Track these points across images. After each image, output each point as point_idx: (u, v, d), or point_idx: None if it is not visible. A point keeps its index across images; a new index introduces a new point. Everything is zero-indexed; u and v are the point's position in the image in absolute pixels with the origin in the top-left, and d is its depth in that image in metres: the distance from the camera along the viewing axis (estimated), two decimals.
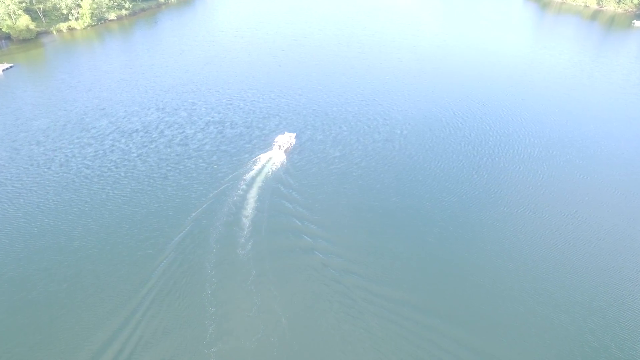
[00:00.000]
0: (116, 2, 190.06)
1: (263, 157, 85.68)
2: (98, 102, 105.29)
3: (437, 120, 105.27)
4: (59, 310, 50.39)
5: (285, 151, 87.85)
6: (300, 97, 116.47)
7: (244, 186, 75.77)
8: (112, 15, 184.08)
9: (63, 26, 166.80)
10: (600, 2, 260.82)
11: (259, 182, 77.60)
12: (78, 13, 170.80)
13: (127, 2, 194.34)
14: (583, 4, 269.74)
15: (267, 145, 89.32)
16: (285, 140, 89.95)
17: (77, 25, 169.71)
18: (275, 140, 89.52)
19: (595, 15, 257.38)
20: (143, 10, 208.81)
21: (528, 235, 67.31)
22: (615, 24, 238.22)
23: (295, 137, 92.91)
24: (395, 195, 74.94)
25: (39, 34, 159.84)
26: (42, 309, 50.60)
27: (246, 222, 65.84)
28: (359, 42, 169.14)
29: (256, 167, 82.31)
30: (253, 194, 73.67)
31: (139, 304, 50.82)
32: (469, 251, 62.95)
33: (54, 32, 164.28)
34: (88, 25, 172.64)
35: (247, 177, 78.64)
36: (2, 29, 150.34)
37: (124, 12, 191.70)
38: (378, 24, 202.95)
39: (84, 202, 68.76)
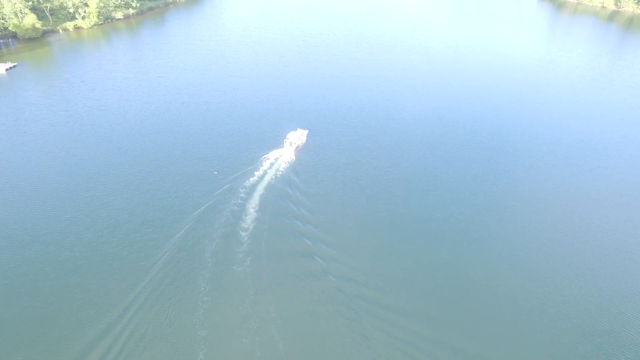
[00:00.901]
0: (123, 1, 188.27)
1: (272, 155, 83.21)
2: (99, 103, 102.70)
3: (448, 125, 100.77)
4: (42, 329, 47.22)
5: (296, 149, 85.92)
6: (311, 96, 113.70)
7: (248, 188, 72.77)
8: (119, 14, 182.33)
9: (70, 25, 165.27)
10: (618, 3, 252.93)
11: (264, 184, 74.62)
12: (85, 12, 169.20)
13: (135, 1, 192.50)
14: (600, 5, 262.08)
15: (278, 143, 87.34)
16: (297, 137, 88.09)
17: (84, 24, 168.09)
18: (287, 137, 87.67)
19: (613, 17, 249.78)
20: (151, 9, 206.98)
21: (549, 252, 62.66)
22: (634, 25, 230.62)
23: (307, 135, 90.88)
24: (405, 205, 70.77)
25: (45, 33, 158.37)
26: (25, 325, 47.51)
27: (244, 235, 61.96)
28: (368, 43, 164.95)
29: (263, 168, 79.50)
30: (256, 198, 70.55)
31: (124, 325, 47.26)
32: (484, 268, 58.58)
33: (60, 31, 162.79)
34: (95, 24, 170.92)
35: (252, 179, 75.53)
36: (9, 28, 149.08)
37: (131, 11, 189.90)
38: (388, 24, 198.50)
39: (78, 209, 65.75)
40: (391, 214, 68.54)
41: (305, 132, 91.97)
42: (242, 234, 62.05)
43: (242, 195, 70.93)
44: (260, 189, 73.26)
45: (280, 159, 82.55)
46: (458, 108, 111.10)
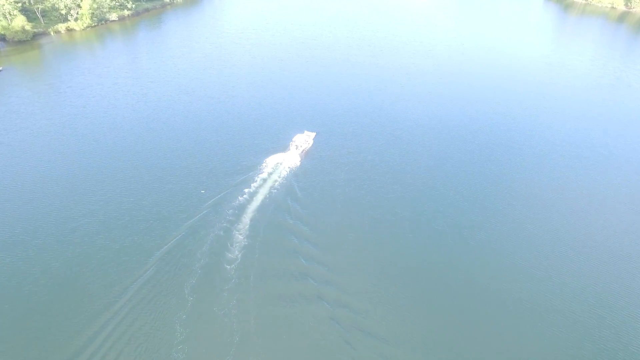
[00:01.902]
0: (118, 2, 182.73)
1: (275, 160, 79.62)
2: (85, 111, 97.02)
3: (457, 135, 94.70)
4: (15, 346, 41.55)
5: (302, 153, 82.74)
6: (314, 99, 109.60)
7: (244, 198, 68.05)
8: (113, 16, 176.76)
9: (62, 27, 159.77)
10: (629, 3, 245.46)
11: (263, 193, 70.11)
12: (77, 13, 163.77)
13: (130, 2, 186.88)
14: (610, 5, 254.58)
15: (281, 147, 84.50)
16: (303, 140, 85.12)
17: (77, 26, 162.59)
18: (293, 139, 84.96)
19: (623, 17, 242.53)
20: (147, 10, 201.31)
21: (569, 264, 56.67)
22: None
23: (314, 138, 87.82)
24: (411, 230, 64.71)
25: (35, 36, 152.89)
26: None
27: (232, 268, 56.15)
28: (370, 45, 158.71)
29: (262, 175, 74.90)
30: (252, 211, 65.44)
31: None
32: (504, 307, 52.44)
33: (52, 34, 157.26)
34: (88, 26, 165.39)
35: (252, 186, 71.06)
36: None
37: (126, 12, 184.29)
38: (390, 25, 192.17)
39: (48, 234, 59.95)
40: (395, 242, 62.51)
41: (313, 134, 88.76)
42: (231, 255, 56.39)
43: (239, 204, 66.49)
44: (258, 199, 68.49)
45: (283, 164, 78.72)
46: (465, 116, 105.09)
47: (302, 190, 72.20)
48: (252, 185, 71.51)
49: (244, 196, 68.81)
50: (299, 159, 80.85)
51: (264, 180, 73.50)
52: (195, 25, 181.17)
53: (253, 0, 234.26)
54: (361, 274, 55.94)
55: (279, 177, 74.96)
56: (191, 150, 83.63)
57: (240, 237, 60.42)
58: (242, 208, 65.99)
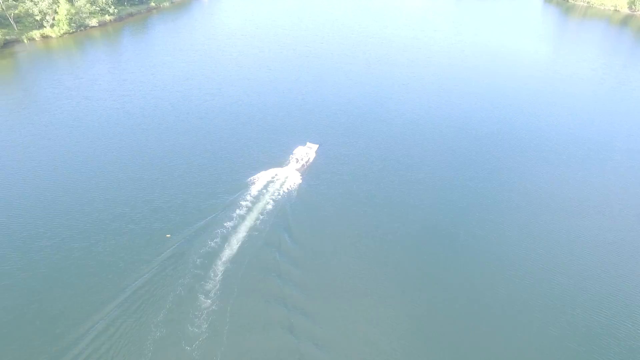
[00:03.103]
0: (99, 7, 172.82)
1: (271, 177, 72.11)
2: (46, 131, 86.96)
3: (467, 140, 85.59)
4: None
5: (303, 167, 75.87)
6: (311, 109, 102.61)
7: (231, 224, 60.52)
8: (93, 22, 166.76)
9: (36, 34, 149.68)
10: (633, 6, 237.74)
11: (252, 219, 62.05)
12: (54, 19, 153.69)
13: (112, 7, 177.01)
14: (613, 8, 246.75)
15: (282, 161, 78.04)
16: (304, 153, 78.09)
17: (53, 32, 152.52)
18: (293, 152, 78.34)
19: (627, 21, 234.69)
20: (131, 15, 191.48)
21: (567, 264, 47.51)
22: None
23: (317, 151, 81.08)
24: (419, 262, 55.15)
25: (7, 43, 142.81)
26: None
27: (201, 321, 46.54)
28: (365, 52, 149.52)
29: (254, 196, 67.12)
30: (236, 242, 57.36)
31: None
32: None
33: (25, 41, 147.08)
34: (65, 33, 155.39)
35: (239, 212, 63.04)
36: None
37: (107, 17, 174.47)
38: (386, 31, 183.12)
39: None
40: (402, 281, 52.95)
41: (315, 146, 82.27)
42: (202, 304, 46.97)
43: (221, 234, 58.50)
44: (244, 228, 60.24)
45: (279, 181, 71.35)
46: (468, 121, 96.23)
47: (297, 218, 63.76)
48: (238, 210, 63.13)
49: (229, 223, 60.51)
50: (299, 175, 73.59)
51: (255, 202, 65.30)
52: (181, 31, 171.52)
53: (243, 4, 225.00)
54: (357, 340, 46.36)
55: (273, 198, 66.95)
56: (172, 170, 74.47)
57: (214, 282, 51.16)
58: (225, 240, 57.56)
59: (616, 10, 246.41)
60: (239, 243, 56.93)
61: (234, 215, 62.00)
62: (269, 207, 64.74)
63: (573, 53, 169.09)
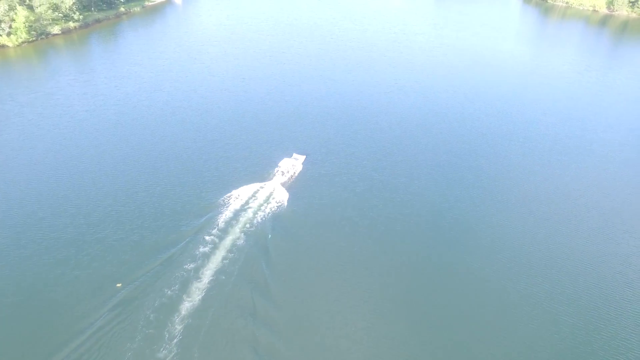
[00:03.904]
0: (62, 13, 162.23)
1: (253, 193, 67.22)
2: None
3: (453, 143, 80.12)
4: None
5: (289, 180, 72.70)
6: (294, 120, 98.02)
7: (206, 249, 54.79)
8: (55, 29, 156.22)
9: None
10: (611, 6, 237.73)
11: (230, 241, 56.70)
12: (10, 27, 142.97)
13: (77, 13, 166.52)
14: (591, 8, 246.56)
15: (266, 174, 73.84)
16: (290, 165, 75.32)
17: (10, 41, 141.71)
18: (279, 165, 75.28)
19: (605, 21, 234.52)
20: (98, 21, 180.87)
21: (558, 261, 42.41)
22: (630, 30, 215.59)
23: (304, 162, 77.84)
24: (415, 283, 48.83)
25: None
26: None
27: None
28: (345, 58, 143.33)
29: (232, 213, 62.20)
30: (209, 272, 51.54)
31: None
32: None
33: None
34: (24, 42, 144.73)
35: (214, 233, 57.73)
36: None
37: (72, 24, 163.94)
38: (367, 34, 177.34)
39: None
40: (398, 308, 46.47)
41: (302, 157, 79.01)
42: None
43: (194, 263, 52.67)
44: (219, 253, 54.57)
45: (262, 197, 66.57)
46: (454, 126, 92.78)
47: (279, 242, 58.43)
48: (213, 231, 57.64)
49: (202, 249, 54.47)
50: (284, 189, 69.36)
51: (232, 224, 59.53)
52: (152, 38, 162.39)
53: (218, 9, 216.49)
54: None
55: (254, 218, 61.62)
56: (144, 189, 68.01)
57: (181, 325, 43.90)
58: (186, 284, 50.43)
59: (595, 10, 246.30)
60: (209, 279, 50.10)
61: (207, 240, 56.08)
62: (250, 228, 59.13)
63: (553, 53, 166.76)
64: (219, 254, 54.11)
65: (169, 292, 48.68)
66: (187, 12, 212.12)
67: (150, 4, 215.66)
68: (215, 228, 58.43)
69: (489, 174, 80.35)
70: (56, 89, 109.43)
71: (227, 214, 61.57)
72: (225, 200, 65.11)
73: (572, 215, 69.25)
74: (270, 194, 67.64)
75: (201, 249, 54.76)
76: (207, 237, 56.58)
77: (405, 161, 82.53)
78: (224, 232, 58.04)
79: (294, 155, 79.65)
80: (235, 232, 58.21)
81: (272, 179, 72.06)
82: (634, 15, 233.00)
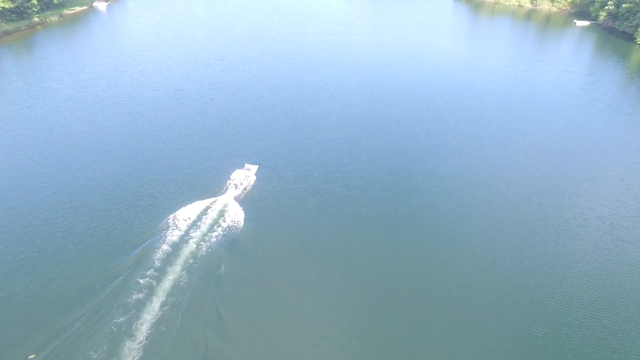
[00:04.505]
0: None
1: (199, 211, 61.37)
2: None
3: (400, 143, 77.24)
4: None
5: (242, 193, 68.42)
6: (240, 129, 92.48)
7: (145, 285, 47.58)
8: None
9: None
10: (534, 1, 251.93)
11: (178, 269, 50.28)
12: None
13: None
14: (517, 4, 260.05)
15: (217, 189, 68.42)
16: (243, 176, 70.87)
17: None
18: (231, 177, 70.25)
19: (530, 15, 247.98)
20: (7, 33, 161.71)
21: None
22: (552, 23, 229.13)
23: (257, 172, 73.90)
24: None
25: None
26: None
27: None
28: (287, 63, 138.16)
29: (180, 235, 56.05)
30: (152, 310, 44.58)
31: None
32: None
33: None
34: None
35: (158, 260, 51.24)
36: None
37: None
38: (307, 37, 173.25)
39: None
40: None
41: (254, 167, 74.88)
42: None
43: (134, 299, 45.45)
44: (165, 285, 48.00)
45: (211, 215, 60.81)
46: (401, 132, 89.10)
47: (233, 269, 52.68)
48: (150, 268, 50.02)
49: (137, 295, 46.43)
50: (238, 204, 64.48)
51: (178, 247, 52.83)
52: (72, 50, 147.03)
53: (148, 15, 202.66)
54: None
55: (204, 239, 55.28)
56: (63, 229, 58.52)
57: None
58: (129, 322, 43.68)
59: (520, 5, 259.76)
60: (147, 335, 42.61)
61: (142, 284, 48.17)
62: (199, 256, 52.47)
63: (489, 48, 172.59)
64: (158, 299, 46.71)
65: (96, 356, 40.73)
66: (112, 19, 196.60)
67: (69, 12, 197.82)
68: (155, 261, 50.98)
69: (442, 175, 79.55)
70: None
71: (170, 240, 54.52)
72: (169, 224, 58.20)
73: (512, 200, 72.56)
74: (223, 211, 62.24)
75: (134, 296, 47.01)
76: (141, 280, 48.85)
77: (357, 163, 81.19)
78: (165, 266, 50.67)
79: (246, 165, 75.41)
80: (180, 264, 51.18)
81: (224, 193, 67.20)
82: (554, 9, 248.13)
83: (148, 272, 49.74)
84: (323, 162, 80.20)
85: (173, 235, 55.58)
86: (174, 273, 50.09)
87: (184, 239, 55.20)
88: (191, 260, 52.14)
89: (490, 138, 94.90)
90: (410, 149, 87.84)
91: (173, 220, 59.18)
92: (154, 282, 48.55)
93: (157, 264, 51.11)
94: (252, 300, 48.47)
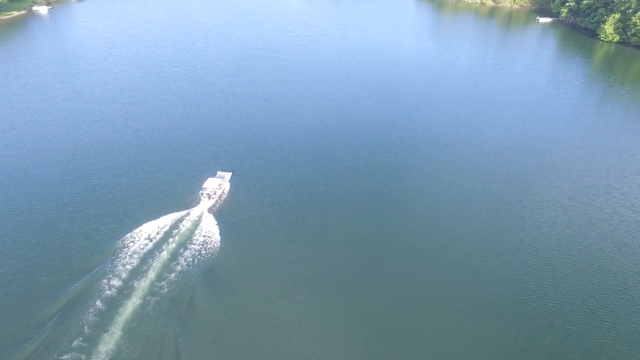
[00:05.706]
0: None
1: (168, 225, 54.71)
2: None
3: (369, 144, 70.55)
4: None
5: (217, 203, 63.46)
6: (207, 137, 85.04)
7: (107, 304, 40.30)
8: None
9: None
10: None
11: (144, 289, 43.17)
12: None
13: None
14: (479, 1, 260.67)
15: (190, 200, 63.32)
16: (217, 185, 65.96)
17: None
18: (204, 186, 65.07)
19: (492, 13, 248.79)
20: None
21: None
22: (515, 20, 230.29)
23: (230, 179, 69.42)
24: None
25: None
26: None
27: None
28: (248, 68, 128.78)
29: (148, 248, 49.49)
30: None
31: None
32: None
33: None
34: None
35: (125, 278, 44.20)
36: None
37: None
38: (269, 39, 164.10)
39: None
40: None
41: (228, 175, 70.70)
42: None
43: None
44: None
45: (185, 229, 54.38)
46: (371, 133, 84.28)
47: (207, 292, 46.27)
48: (124, 272, 44.23)
49: (88, 330, 38.29)
50: (212, 216, 59.03)
51: (145, 264, 45.64)
52: (5, 60, 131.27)
53: (95, 19, 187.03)
54: None
55: (176, 256, 48.21)
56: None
57: None
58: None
59: (482, 3, 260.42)
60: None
61: (97, 307, 40.32)
62: (166, 279, 44.62)
63: (455, 46, 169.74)
64: (116, 329, 38.08)
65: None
66: (55, 25, 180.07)
67: (5, 17, 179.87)
68: (110, 287, 41.83)
69: (415, 172, 78.43)
70: None
71: (130, 262, 46.56)
72: (133, 240, 50.82)
73: (479, 190, 73.97)
74: (197, 223, 55.48)
75: (85, 330, 37.88)
76: (126, 269, 41.03)
77: (328, 165, 78.73)
78: (120, 296, 41.77)
79: (219, 173, 70.83)
80: (143, 288, 43.07)
81: (197, 205, 60.95)
82: (516, 6, 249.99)
83: (98, 300, 40.75)
84: (297, 164, 77.18)
85: (133, 257, 47.88)
86: (137, 297, 41.62)
87: (151, 255, 47.96)
88: (157, 284, 43.95)
89: (456, 134, 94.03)
90: (377, 146, 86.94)
91: (137, 237, 51.86)
92: (106, 310, 39.50)
93: (112, 292, 42.30)
94: (226, 322, 43.38)
